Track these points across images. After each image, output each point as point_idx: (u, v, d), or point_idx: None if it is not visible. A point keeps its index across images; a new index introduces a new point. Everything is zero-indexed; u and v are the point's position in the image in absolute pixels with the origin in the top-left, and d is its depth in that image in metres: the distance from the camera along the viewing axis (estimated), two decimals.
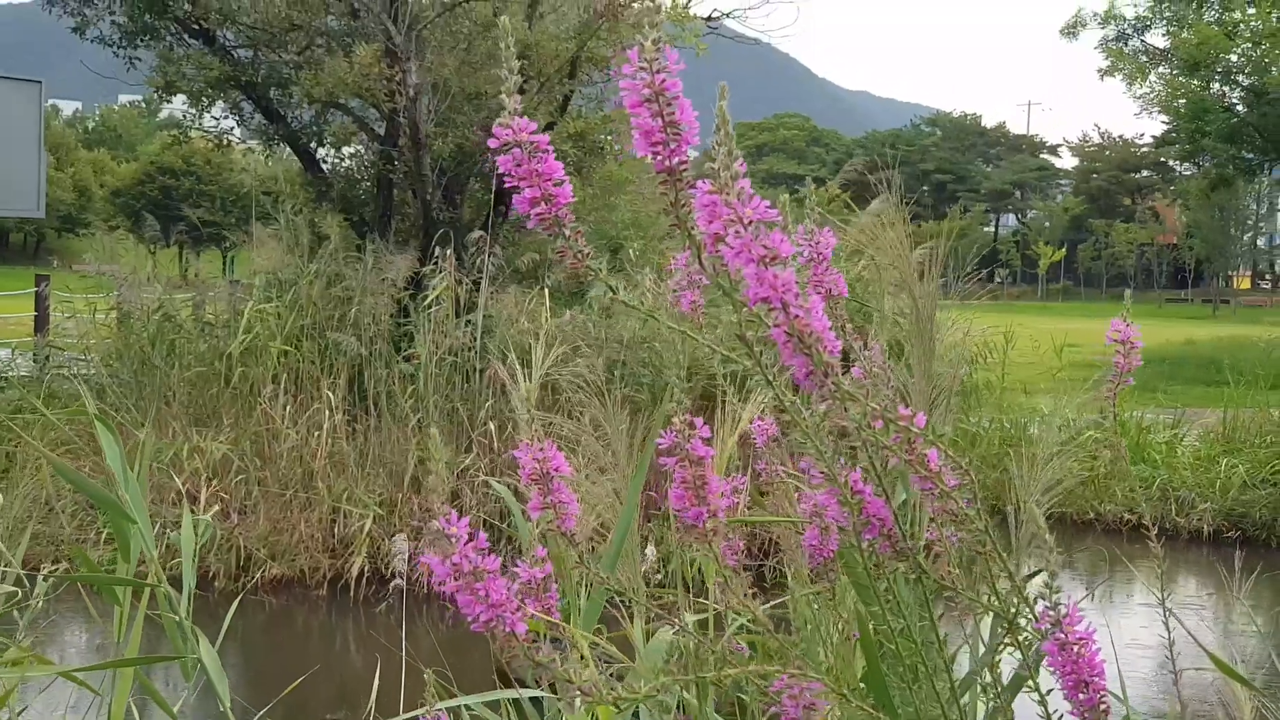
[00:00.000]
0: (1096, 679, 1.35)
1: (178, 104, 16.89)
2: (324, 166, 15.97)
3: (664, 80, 1.30)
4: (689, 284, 2.23)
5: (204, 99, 15.59)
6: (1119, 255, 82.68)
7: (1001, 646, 1.61)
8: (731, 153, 1.26)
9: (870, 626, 1.49)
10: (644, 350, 11.80)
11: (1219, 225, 72.23)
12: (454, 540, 1.17)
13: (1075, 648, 1.33)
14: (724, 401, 2.65)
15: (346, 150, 16.31)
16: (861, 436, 1.34)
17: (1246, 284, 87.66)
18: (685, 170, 1.31)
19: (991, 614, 1.53)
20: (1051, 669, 1.35)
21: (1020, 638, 1.42)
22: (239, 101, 15.61)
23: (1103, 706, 1.34)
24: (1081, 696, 1.34)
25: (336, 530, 11.21)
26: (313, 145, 15.83)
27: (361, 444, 11.72)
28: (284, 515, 11.29)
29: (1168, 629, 2.14)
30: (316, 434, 11.61)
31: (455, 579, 1.19)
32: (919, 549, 1.43)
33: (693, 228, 1.32)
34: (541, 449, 1.60)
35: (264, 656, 9.62)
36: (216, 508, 11.01)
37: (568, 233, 1.34)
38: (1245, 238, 79.56)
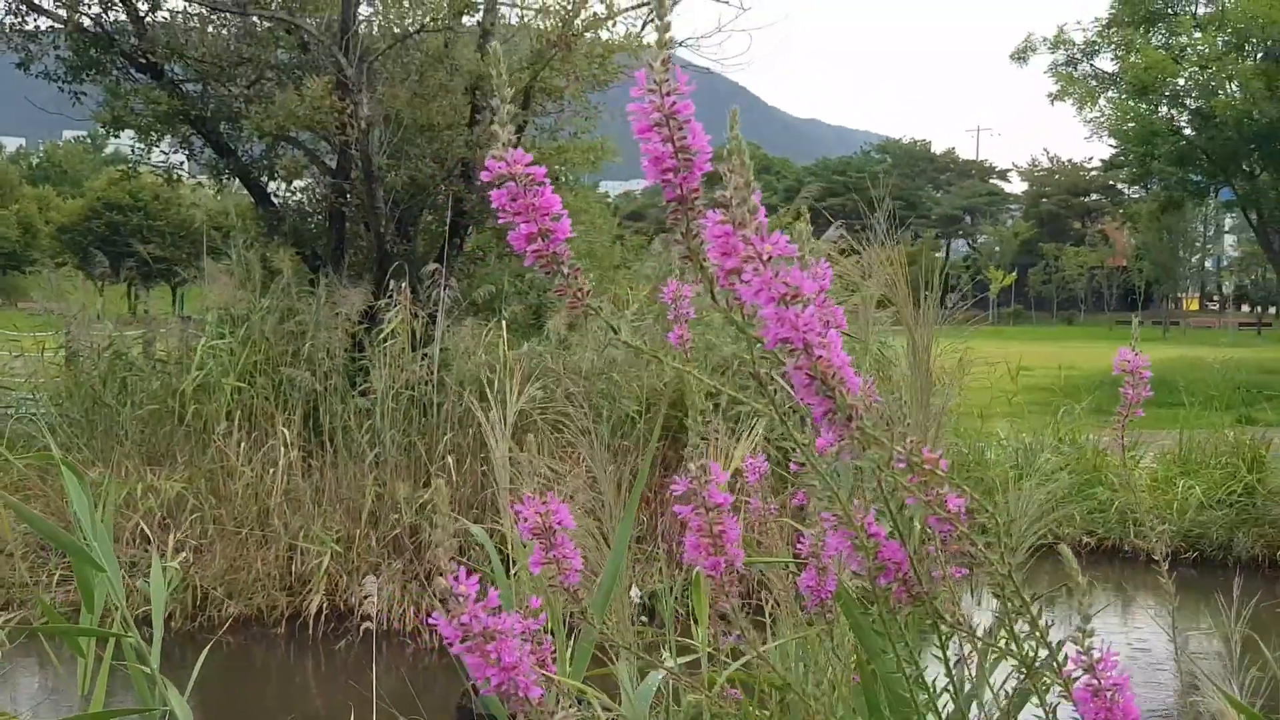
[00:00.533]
0: None
1: (125, 139, 16.75)
2: (275, 200, 15.84)
3: (675, 103, 1.23)
4: (676, 318, 2.18)
5: (153, 134, 15.46)
6: (1069, 278, 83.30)
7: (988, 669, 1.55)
8: (749, 184, 1.19)
9: (871, 670, 1.42)
10: (601, 381, 11.74)
11: (1168, 247, 72.92)
12: (463, 599, 1.07)
13: (1109, 694, 1.26)
14: (702, 434, 2.58)
15: (298, 184, 16.18)
16: (879, 479, 1.27)
17: (1195, 305, 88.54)
18: (697, 198, 1.23)
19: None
20: (1081, 717, 1.28)
21: (1040, 683, 1.34)
22: (188, 136, 15.48)
23: None
24: None
25: (294, 567, 11.08)
26: (264, 179, 15.71)
27: (318, 480, 11.60)
28: (240, 553, 11.15)
29: (1176, 652, 2.09)
30: (272, 471, 11.48)
31: (464, 640, 1.09)
32: (935, 594, 1.36)
33: (704, 260, 1.24)
34: (544, 502, 1.51)
35: (223, 697, 9.47)
36: (172, 548, 10.87)
37: (566, 270, 1.25)
38: (1194, 259, 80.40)
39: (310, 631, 10.57)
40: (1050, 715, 1.37)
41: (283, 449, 11.50)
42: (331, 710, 9.39)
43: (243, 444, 11.61)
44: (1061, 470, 14.09)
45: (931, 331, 1.93)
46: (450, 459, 11.38)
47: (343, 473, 11.55)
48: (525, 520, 1.51)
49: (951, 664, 2.04)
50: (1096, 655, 1.27)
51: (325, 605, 10.73)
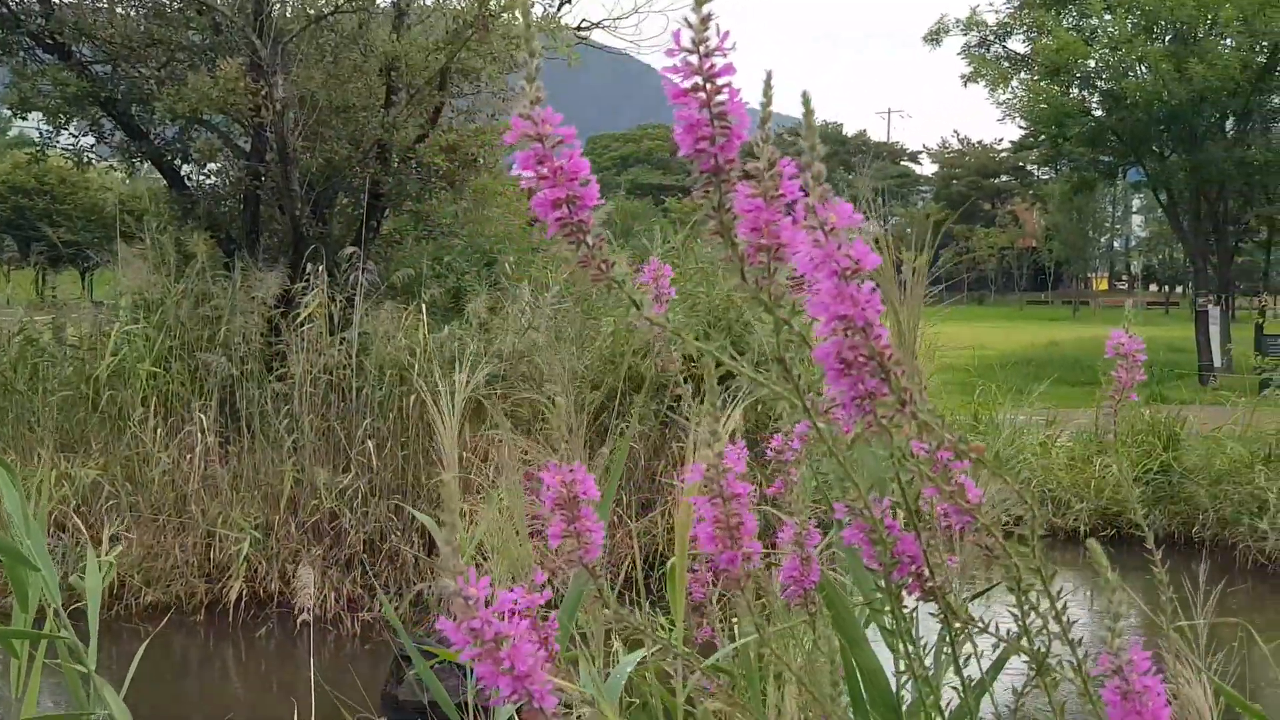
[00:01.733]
0: None
1: (31, 122, 16.43)
2: (189, 184, 15.61)
3: (714, 66, 1.16)
4: (658, 298, 2.17)
5: (61, 116, 15.18)
6: (980, 259, 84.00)
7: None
8: (815, 148, 1.16)
9: (853, 661, 1.41)
10: (523, 365, 11.70)
11: (1078, 228, 73.73)
12: (471, 603, 1.01)
13: (1140, 698, 1.21)
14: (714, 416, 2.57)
15: (212, 167, 15.95)
16: (901, 468, 1.24)
17: (1104, 285, 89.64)
18: (733, 169, 1.18)
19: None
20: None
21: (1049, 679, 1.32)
22: (98, 118, 15.19)
23: None
24: None
25: (212, 555, 10.97)
26: (177, 162, 15.46)
27: (235, 466, 11.49)
28: (157, 540, 11.03)
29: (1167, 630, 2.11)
30: (189, 457, 11.36)
31: (475, 646, 1.03)
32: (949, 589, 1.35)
33: (735, 237, 1.20)
34: (571, 470, 1.44)
35: (144, 686, 9.35)
36: (107, 540, 10.73)
37: (590, 240, 1.19)
38: (1103, 240, 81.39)
39: (230, 619, 10.47)
40: (1058, 713, 1.35)
41: (199, 435, 11.39)
42: (255, 698, 9.32)
43: (159, 430, 11.48)
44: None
45: (919, 316, 1.90)
46: (370, 444, 11.30)
47: (261, 459, 11.44)
48: (548, 489, 1.44)
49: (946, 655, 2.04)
50: (1126, 656, 1.23)
51: (245, 592, 10.63)
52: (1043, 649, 1.31)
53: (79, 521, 10.87)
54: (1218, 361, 28.45)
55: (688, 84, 1.16)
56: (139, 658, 2.63)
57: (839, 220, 1.13)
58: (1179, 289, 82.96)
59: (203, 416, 11.50)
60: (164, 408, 11.78)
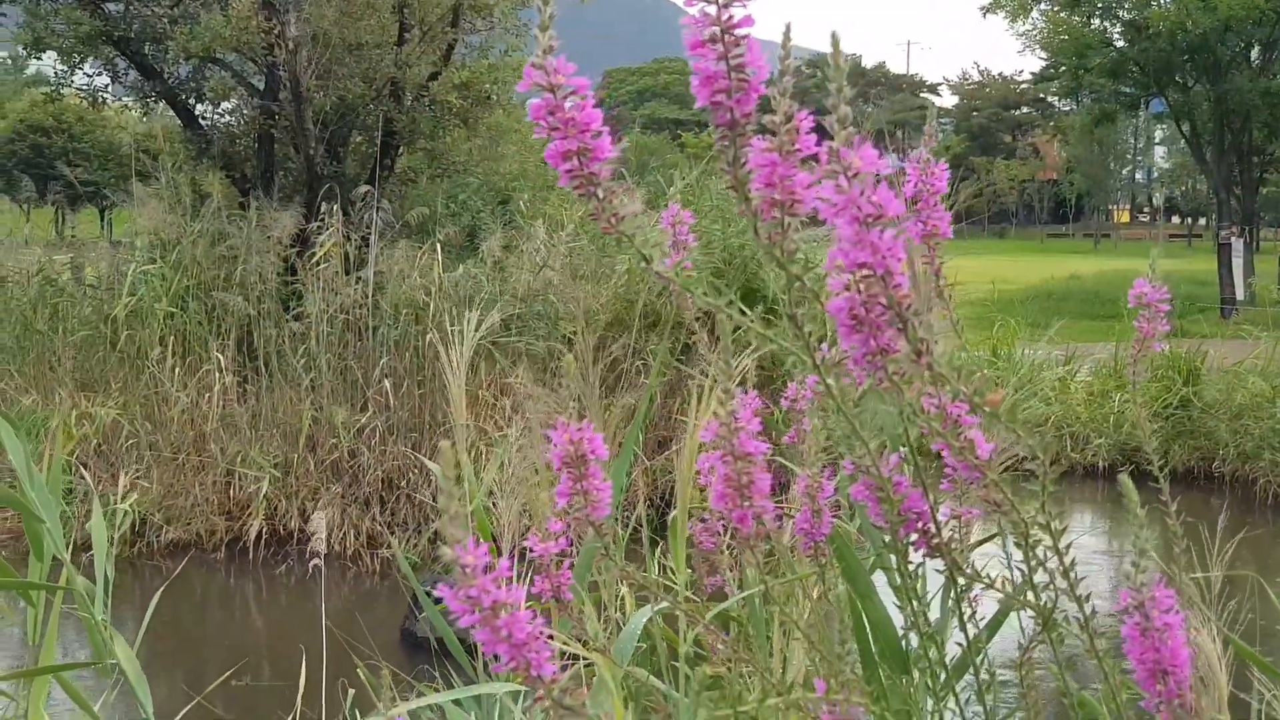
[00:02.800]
0: (1179, 669, 1.20)
1: (47, 60, 16.39)
2: (203, 123, 15.58)
3: (732, 17, 1.13)
4: (675, 244, 2.14)
5: (75, 55, 15.14)
6: (1000, 192, 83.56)
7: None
8: (841, 89, 1.12)
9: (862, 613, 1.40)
10: (539, 303, 11.69)
11: (1099, 160, 73.13)
12: (469, 571, 1.00)
13: (1160, 635, 1.19)
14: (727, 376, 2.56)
15: (226, 106, 15.91)
16: (910, 424, 1.22)
17: (1126, 218, 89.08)
18: (749, 123, 1.15)
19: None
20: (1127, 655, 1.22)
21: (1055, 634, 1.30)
22: (112, 58, 15.15)
23: (1182, 700, 1.22)
24: (1160, 687, 1.20)
25: (232, 493, 11.04)
26: (191, 101, 15.43)
27: (254, 405, 11.53)
28: (177, 479, 11.09)
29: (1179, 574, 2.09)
30: (207, 396, 11.40)
31: (474, 613, 1.02)
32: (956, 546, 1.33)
33: (750, 192, 1.16)
34: (579, 428, 1.41)
35: (163, 622, 9.43)
36: (123, 487, 10.80)
37: (601, 193, 1.17)
38: (1124, 172, 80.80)
39: (250, 556, 10.54)
40: (1063, 667, 1.33)
41: (217, 374, 11.41)
42: (276, 634, 9.38)
43: (177, 369, 11.51)
44: (998, 386, 14.16)
45: (938, 260, 1.84)
46: (387, 383, 11.32)
47: (279, 398, 11.48)
48: (556, 447, 1.42)
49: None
50: (1148, 594, 1.22)
51: (265, 530, 10.70)
52: (1049, 604, 1.29)
53: (95, 461, 10.95)
54: (1240, 295, 28.22)
55: (705, 34, 1.13)
56: (154, 605, 2.64)
57: (863, 165, 1.10)
58: (1202, 221, 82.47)
59: (220, 356, 11.52)
60: (182, 347, 11.81)
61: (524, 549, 1.63)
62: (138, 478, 11.01)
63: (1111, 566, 9.69)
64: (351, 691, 3.11)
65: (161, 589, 2.98)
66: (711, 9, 1.14)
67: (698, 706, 1.04)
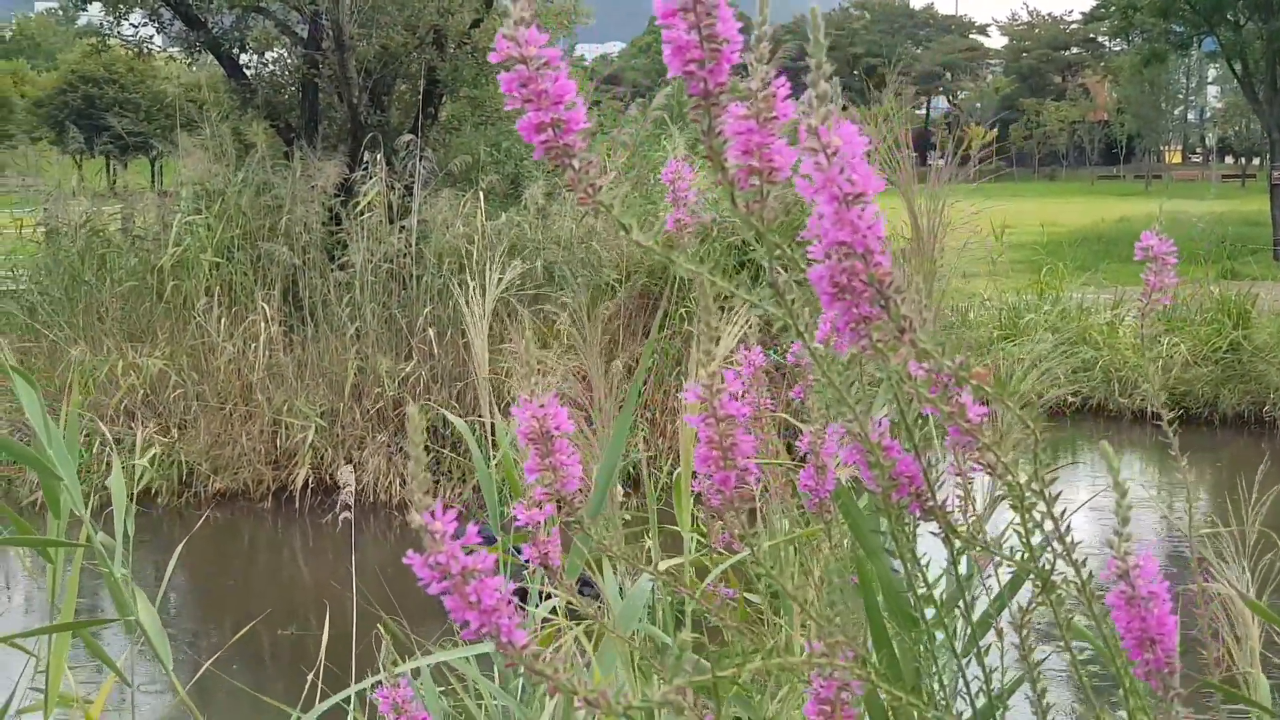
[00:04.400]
0: (1165, 637, 1.19)
1: (95, 11, 16.47)
2: (247, 73, 15.62)
3: None
4: (675, 201, 2.14)
5: (121, 6, 15.20)
6: (1050, 134, 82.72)
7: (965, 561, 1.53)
8: (820, 65, 1.11)
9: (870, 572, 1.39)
10: (582, 250, 11.67)
11: (1150, 100, 72.23)
12: (438, 537, 1.00)
13: (1145, 604, 1.18)
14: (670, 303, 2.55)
15: (269, 55, 15.95)
16: (899, 389, 1.21)
17: (1178, 158, 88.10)
18: (723, 93, 1.13)
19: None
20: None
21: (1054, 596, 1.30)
22: (157, 8, 15.21)
23: (1169, 668, 1.21)
24: (1147, 655, 1.19)
25: (279, 442, 11.12)
26: (235, 51, 15.47)
27: (300, 355, 11.60)
28: (224, 429, 11.19)
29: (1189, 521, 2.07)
30: (253, 346, 11.47)
31: (442, 580, 1.02)
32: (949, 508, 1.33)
33: (726, 161, 1.14)
34: (542, 404, 1.42)
35: (211, 572, 9.54)
36: (154, 425, 10.89)
37: (577, 164, 1.16)
38: (1176, 112, 79.84)
39: (297, 505, 10.63)
40: (1065, 627, 1.33)
41: (263, 324, 11.48)
42: (317, 582, 9.47)
43: (223, 320, 11.59)
44: (1046, 330, 14.09)
45: (941, 215, 1.82)
46: (431, 331, 11.36)
47: (324, 347, 11.54)
48: (520, 425, 1.42)
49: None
50: (1133, 561, 1.20)
51: (311, 479, 10.79)
52: (1048, 567, 1.28)
53: (143, 410, 11.06)
54: None
55: (677, 3, 1.12)
56: (174, 560, 2.67)
57: (843, 143, 1.09)
58: (1255, 161, 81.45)
59: (266, 306, 11.59)
60: (227, 297, 11.88)
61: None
62: (183, 426, 11.12)
63: (1156, 516, 9.64)
64: (385, 641, 3.14)
65: (178, 551, 3.01)
66: None
67: (674, 673, 1.04)
